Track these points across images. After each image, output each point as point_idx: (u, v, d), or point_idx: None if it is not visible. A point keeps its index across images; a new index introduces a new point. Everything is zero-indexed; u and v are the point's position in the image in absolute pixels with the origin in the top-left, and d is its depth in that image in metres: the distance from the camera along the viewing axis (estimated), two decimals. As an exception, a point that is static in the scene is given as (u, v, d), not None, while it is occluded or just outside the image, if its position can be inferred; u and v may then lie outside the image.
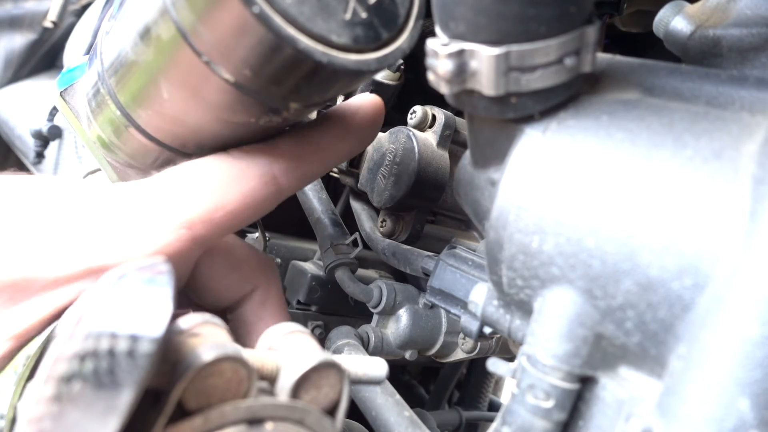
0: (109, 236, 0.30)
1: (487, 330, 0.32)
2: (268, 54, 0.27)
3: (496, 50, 0.23)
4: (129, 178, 0.41)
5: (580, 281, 0.24)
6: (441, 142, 0.50)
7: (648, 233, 0.22)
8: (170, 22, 0.27)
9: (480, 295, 0.31)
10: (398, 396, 0.42)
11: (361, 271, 0.52)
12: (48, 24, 1.08)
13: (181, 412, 0.22)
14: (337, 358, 0.26)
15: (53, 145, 1.01)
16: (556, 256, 0.25)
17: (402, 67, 0.50)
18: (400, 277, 0.57)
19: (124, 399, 0.19)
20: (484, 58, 0.24)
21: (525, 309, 0.27)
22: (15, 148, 1.09)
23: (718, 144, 0.23)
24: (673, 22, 0.33)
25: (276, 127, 0.34)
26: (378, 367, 0.28)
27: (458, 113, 0.52)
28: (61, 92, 0.41)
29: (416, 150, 0.48)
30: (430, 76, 0.26)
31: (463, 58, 0.24)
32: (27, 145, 1.02)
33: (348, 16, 0.27)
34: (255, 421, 0.23)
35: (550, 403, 0.24)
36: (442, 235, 0.57)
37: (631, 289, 0.23)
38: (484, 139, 0.29)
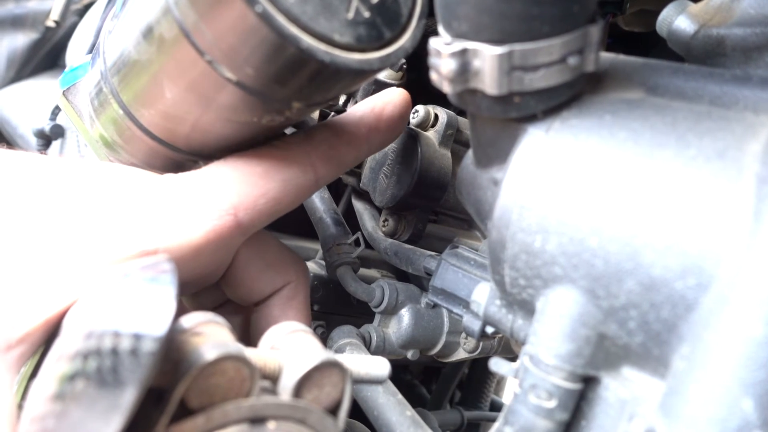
0: (160, 221, 0.31)
1: (490, 330, 0.32)
2: (270, 53, 0.27)
3: (499, 49, 0.23)
4: (131, 177, 0.41)
5: (583, 281, 0.24)
6: (443, 142, 0.50)
7: (651, 233, 0.22)
8: (173, 21, 0.27)
9: (482, 295, 0.31)
10: (400, 396, 0.42)
11: (363, 271, 0.52)
12: (50, 23, 1.08)
13: (184, 411, 0.22)
14: (340, 358, 0.26)
15: (56, 145, 1.01)
16: (558, 256, 0.25)
17: (404, 66, 0.50)
18: (402, 276, 0.56)
19: (127, 397, 0.19)
20: (487, 57, 0.24)
21: (527, 309, 0.27)
22: (17, 148, 1.10)
23: (722, 143, 0.22)
24: (677, 21, 0.33)
25: (278, 126, 0.34)
26: (380, 367, 0.28)
27: (461, 112, 0.52)
28: (63, 91, 0.41)
29: (418, 149, 0.48)
30: (433, 76, 0.26)
31: (465, 57, 0.24)
32: (29, 144, 1.02)
33: (351, 15, 0.27)
34: (257, 420, 0.23)
35: (552, 403, 0.24)
36: (444, 234, 0.57)
37: (634, 288, 0.23)
38: (487, 139, 0.29)
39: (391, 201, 0.50)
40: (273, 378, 0.25)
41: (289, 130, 0.53)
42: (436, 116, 0.51)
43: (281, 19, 0.26)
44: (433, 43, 0.25)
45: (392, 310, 0.49)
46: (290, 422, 0.24)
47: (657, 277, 0.22)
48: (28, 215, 0.29)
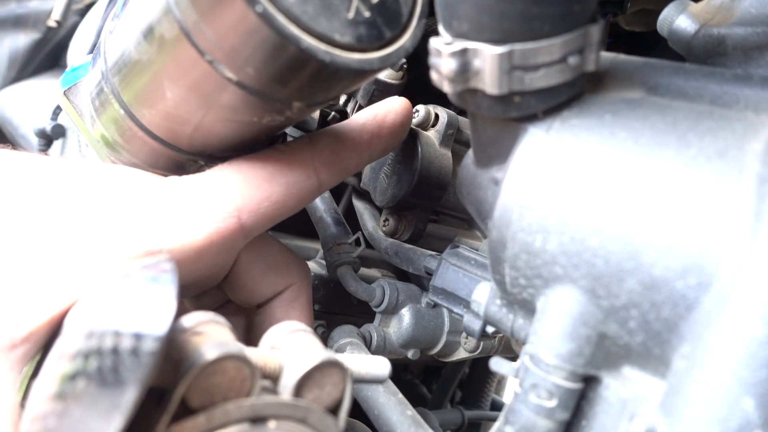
0: (163, 222, 0.31)
1: (490, 329, 0.32)
2: (271, 53, 0.27)
3: (500, 49, 0.23)
4: (132, 177, 0.41)
5: (584, 280, 0.24)
6: (444, 141, 0.50)
7: (652, 232, 0.22)
8: (173, 21, 0.27)
9: (483, 294, 0.31)
10: (401, 395, 0.42)
11: (363, 270, 0.52)
12: (52, 23, 1.08)
13: (185, 411, 0.22)
14: (340, 357, 0.26)
15: (57, 144, 1.01)
16: (559, 256, 0.25)
17: (405, 66, 0.50)
18: (402, 276, 0.56)
19: (128, 397, 0.19)
20: (487, 56, 0.24)
21: (528, 308, 0.27)
22: (19, 147, 1.10)
23: (723, 143, 0.22)
24: (677, 20, 0.33)
25: (279, 126, 0.34)
26: (381, 366, 0.28)
27: (461, 112, 0.52)
28: (64, 91, 0.41)
29: (419, 149, 0.48)
30: (433, 75, 0.26)
31: (466, 57, 0.24)
32: (30, 144, 1.02)
33: (351, 15, 0.27)
34: (258, 419, 0.23)
35: (553, 403, 0.24)
36: (444, 234, 0.57)
37: (634, 288, 0.23)
38: (487, 138, 0.29)
39: (392, 201, 0.50)
40: (274, 377, 0.25)
41: (291, 131, 0.53)
42: (437, 116, 0.51)
43: (282, 19, 0.26)
44: (434, 42, 0.25)
45: (393, 310, 0.49)
46: (291, 422, 0.24)
47: (658, 277, 0.22)
48: (31, 215, 0.30)
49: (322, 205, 0.51)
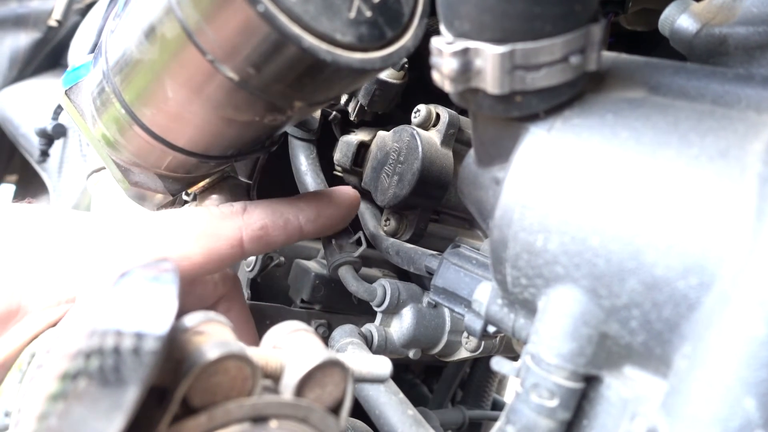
0: (86, 267, 0.33)
1: (491, 329, 0.32)
2: (272, 53, 0.27)
3: (501, 48, 0.23)
4: (133, 176, 0.41)
5: (585, 280, 0.24)
6: (445, 141, 0.50)
7: (653, 232, 0.22)
8: (175, 21, 0.28)
9: (484, 294, 0.31)
10: (402, 395, 0.42)
11: (364, 270, 0.52)
12: (52, 23, 1.08)
13: (186, 410, 0.22)
14: (341, 357, 0.26)
15: (58, 144, 1.01)
16: (560, 255, 0.25)
17: (406, 65, 0.50)
18: (403, 275, 0.56)
19: (130, 396, 0.19)
20: (488, 56, 0.24)
21: (529, 308, 0.27)
22: (20, 147, 1.10)
23: (724, 143, 0.22)
24: (679, 20, 0.33)
25: (280, 125, 0.34)
26: (382, 366, 0.28)
27: (462, 112, 0.52)
28: (66, 91, 0.41)
29: (420, 149, 0.48)
30: (435, 75, 0.26)
31: (467, 56, 0.24)
32: (31, 143, 1.02)
33: (353, 14, 0.27)
34: (259, 419, 0.23)
35: (554, 402, 0.24)
36: (445, 233, 0.57)
37: (636, 288, 0.23)
38: (489, 138, 0.29)
39: (393, 200, 0.50)
40: (275, 377, 0.25)
41: (292, 131, 0.53)
42: (438, 115, 0.51)
43: (283, 19, 0.26)
44: (435, 42, 0.25)
45: (394, 310, 0.49)
46: (292, 421, 0.24)
47: (659, 277, 0.22)
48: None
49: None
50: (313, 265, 0.55)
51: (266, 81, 0.29)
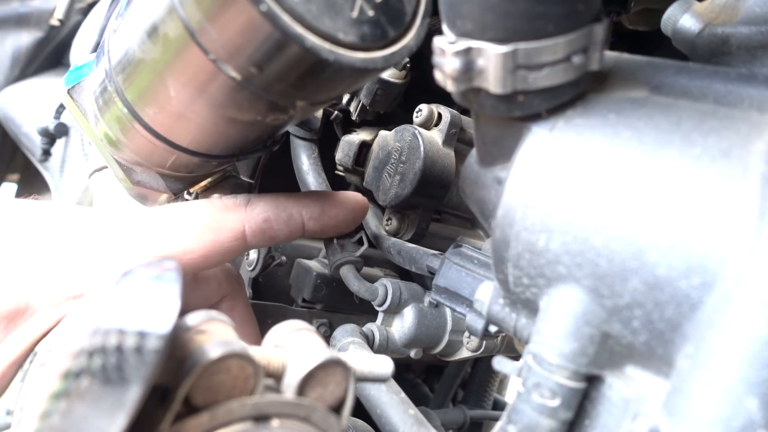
0: (93, 263, 0.34)
1: (493, 328, 0.32)
2: (275, 52, 0.27)
3: (504, 48, 0.23)
4: (135, 175, 0.41)
5: (587, 280, 0.24)
6: (447, 141, 0.50)
7: (655, 232, 0.22)
8: (178, 20, 0.28)
9: (485, 294, 0.31)
10: (403, 394, 0.42)
11: (366, 270, 0.52)
12: (55, 22, 1.08)
13: (188, 409, 0.22)
14: (343, 356, 0.26)
15: (60, 143, 1.01)
16: (562, 255, 0.25)
17: (408, 65, 0.50)
18: (405, 275, 0.56)
19: (132, 395, 0.19)
20: (491, 56, 0.24)
21: (531, 307, 0.27)
22: (22, 146, 1.10)
23: (727, 142, 0.22)
24: (681, 20, 0.33)
25: (283, 124, 0.34)
26: (383, 365, 0.29)
27: (464, 111, 0.52)
28: (68, 90, 0.41)
29: (422, 148, 0.48)
30: (437, 75, 0.26)
31: (470, 56, 0.24)
32: (34, 142, 1.03)
33: (355, 14, 0.27)
34: (261, 418, 0.23)
35: (556, 402, 0.24)
36: (447, 233, 0.57)
37: (638, 287, 0.23)
38: (491, 138, 0.29)
39: (395, 200, 0.50)
40: (277, 376, 0.25)
41: (294, 130, 0.53)
42: (440, 115, 0.51)
43: (286, 18, 0.26)
44: (437, 41, 0.25)
45: (395, 309, 0.49)
46: (294, 420, 0.24)
47: (661, 276, 0.22)
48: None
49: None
50: (314, 265, 0.55)
51: (268, 80, 0.29)
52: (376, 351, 0.48)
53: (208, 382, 0.22)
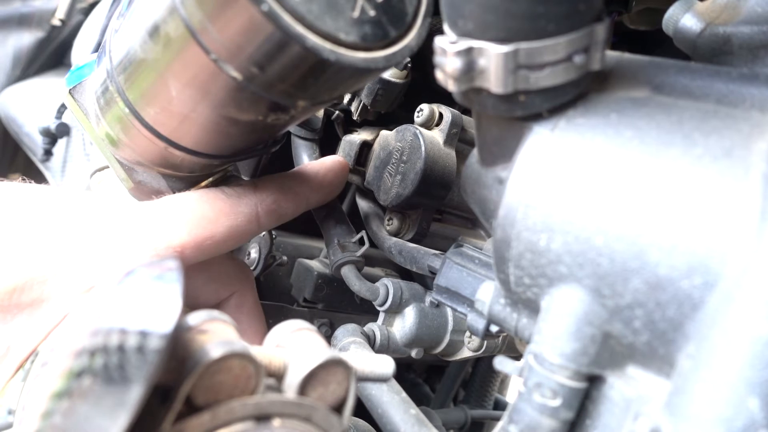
0: (113, 248, 0.34)
1: (494, 328, 0.32)
2: (276, 52, 0.27)
3: (505, 48, 0.23)
4: (137, 175, 0.41)
5: (588, 280, 0.24)
6: (448, 141, 0.50)
7: (657, 232, 0.22)
8: (179, 20, 0.28)
9: (487, 294, 0.31)
10: (404, 394, 0.42)
11: (367, 269, 0.52)
12: (56, 22, 1.08)
13: (190, 408, 0.22)
14: (344, 356, 0.26)
15: (61, 143, 1.01)
16: (564, 255, 0.25)
17: (409, 65, 0.50)
18: (406, 275, 0.56)
19: (134, 394, 0.19)
20: (492, 55, 0.24)
21: (532, 307, 0.27)
22: (23, 146, 1.10)
23: (728, 142, 0.22)
24: (683, 19, 0.33)
25: (284, 124, 0.34)
26: (384, 365, 0.29)
27: (465, 111, 0.52)
28: (69, 90, 0.41)
29: (423, 148, 0.48)
30: (438, 74, 0.26)
31: (471, 56, 0.24)
32: (35, 142, 1.03)
33: (356, 14, 0.27)
34: (262, 417, 0.23)
35: (557, 402, 0.24)
36: (448, 233, 0.57)
37: (639, 287, 0.23)
38: (492, 137, 0.29)
39: (396, 200, 0.50)
40: (278, 376, 0.25)
41: (295, 130, 0.53)
42: (441, 115, 0.51)
43: (287, 18, 0.26)
44: (439, 41, 0.25)
45: (396, 309, 0.49)
46: (295, 420, 0.24)
47: (663, 276, 0.22)
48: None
49: (325, 204, 0.51)
50: (315, 265, 0.55)
51: (270, 80, 0.29)
52: (377, 351, 0.48)
53: (209, 381, 0.22)
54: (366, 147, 0.53)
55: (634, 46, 0.57)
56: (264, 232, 0.55)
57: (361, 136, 0.53)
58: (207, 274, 0.42)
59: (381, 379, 0.28)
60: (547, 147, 0.26)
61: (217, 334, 0.24)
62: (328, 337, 0.51)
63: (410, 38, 0.29)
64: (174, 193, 0.42)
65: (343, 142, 0.54)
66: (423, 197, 0.49)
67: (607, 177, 0.24)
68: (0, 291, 0.32)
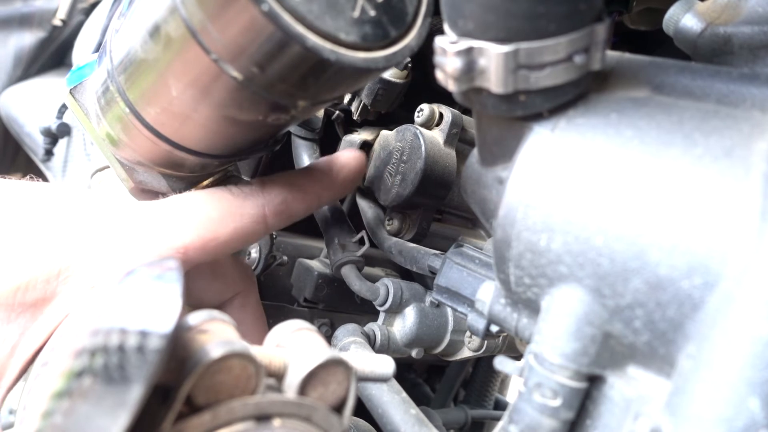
0: (114, 251, 0.34)
1: (494, 328, 0.32)
2: (276, 52, 0.27)
3: (505, 48, 0.23)
4: (137, 175, 0.41)
5: (589, 280, 0.24)
6: (448, 141, 0.50)
7: (657, 232, 0.22)
8: (180, 20, 0.28)
9: (487, 294, 0.31)
10: (404, 394, 0.42)
11: (367, 269, 0.52)
12: (57, 22, 1.08)
13: (190, 408, 0.22)
14: (345, 356, 0.26)
15: (62, 143, 1.01)
16: (564, 255, 0.25)
17: (409, 65, 0.50)
18: (406, 275, 0.56)
19: (134, 394, 0.19)
20: (492, 55, 0.24)
21: (532, 307, 0.27)
22: (24, 146, 1.10)
23: (729, 142, 0.22)
24: (683, 19, 0.33)
25: (284, 124, 0.34)
26: (385, 365, 0.29)
27: (466, 111, 0.52)
28: (70, 90, 0.41)
29: (423, 148, 0.48)
30: (438, 74, 0.26)
31: (471, 55, 0.24)
32: (36, 142, 1.03)
33: (356, 14, 0.27)
34: (263, 417, 0.23)
35: (557, 402, 0.24)
36: (448, 233, 0.57)
37: (639, 287, 0.23)
38: (492, 137, 0.29)
39: (396, 200, 0.50)
40: (278, 376, 0.25)
41: (295, 130, 0.53)
42: (441, 115, 0.51)
43: (287, 18, 0.26)
44: (439, 41, 0.25)
45: (397, 309, 0.49)
46: (295, 420, 0.24)
47: (663, 276, 0.22)
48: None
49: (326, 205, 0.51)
50: (315, 264, 0.55)
51: (270, 80, 0.29)
52: (378, 351, 0.48)
53: (209, 381, 0.22)
54: (366, 147, 0.53)
55: (635, 46, 0.58)
56: (264, 232, 0.55)
57: (361, 136, 0.54)
58: (211, 275, 0.41)
59: (381, 379, 0.28)
60: (548, 147, 0.26)
61: (218, 334, 0.24)
62: (329, 337, 0.51)
63: (410, 38, 0.29)
64: (175, 193, 0.42)
65: (343, 142, 0.54)
66: (423, 197, 0.49)
67: (607, 177, 0.24)
68: (5, 290, 0.31)
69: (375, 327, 0.49)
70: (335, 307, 0.56)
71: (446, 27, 0.25)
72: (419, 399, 0.73)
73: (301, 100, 0.31)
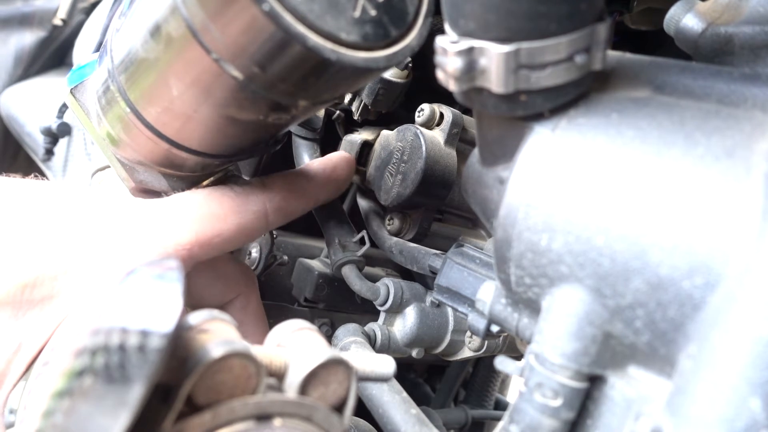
0: (122, 245, 0.34)
1: (495, 328, 0.32)
2: (277, 52, 0.27)
3: (506, 48, 0.23)
4: (138, 175, 0.41)
5: (589, 280, 0.24)
6: (449, 140, 0.50)
7: (658, 232, 0.22)
8: (180, 20, 0.28)
9: (488, 294, 0.31)
10: (405, 394, 0.42)
11: (368, 269, 0.52)
12: (58, 21, 1.08)
13: (191, 408, 0.22)
14: (345, 355, 0.26)
15: (63, 142, 1.01)
16: (564, 255, 0.25)
17: (410, 64, 0.50)
18: (407, 275, 0.56)
19: (135, 393, 0.19)
20: (493, 55, 0.24)
21: (533, 307, 0.27)
22: (25, 145, 1.10)
23: (730, 142, 0.22)
24: (684, 19, 0.33)
25: (285, 124, 0.34)
26: (385, 365, 0.29)
27: (466, 111, 0.52)
28: (71, 89, 0.41)
29: (423, 148, 0.48)
30: (439, 74, 0.26)
31: (472, 55, 0.24)
32: (36, 142, 1.03)
33: (357, 13, 0.27)
34: (263, 417, 0.23)
35: (558, 402, 0.24)
36: (449, 233, 0.57)
37: (640, 287, 0.23)
38: (493, 137, 0.29)
39: (397, 200, 0.50)
40: (279, 375, 0.25)
41: (296, 130, 0.53)
42: (442, 115, 0.51)
43: (288, 18, 0.26)
44: (440, 41, 0.25)
45: (397, 309, 0.49)
46: (296, 419, 0.24)
47: (664, 276, 0.22)
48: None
49: (326, 204, 0.51)
50: (316, 264, 0.55)
51: (271, 80, 0.29)
52: (378, 350, 0.48)
53: (210, 381, 0.22)
54: (367, 147, 0.53)
55: (636, 46, 0.57)
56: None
57: (361, 135, 0.54)
58: (212, 276, 0.42)
59: (382, 379, 0.28)
60: (549, 147, 0.26)
61: (218, 334, 0.24)
62: (329, 337, 0.51)
63: (411, 38, 0.29)
64: (175, 192, 0.42)
65: (343, 142, 0.54)
66: (424, 197, 0.49)
67: (608, 177, 0.24)
68: (11, 287, 0.32)
69: (375, 327, 0.49)
70: (336, 306, 0.56)
71: (447, 27, 0.25)
72: (419, 399, 0.73)
73: (302, 100, 0.31)
